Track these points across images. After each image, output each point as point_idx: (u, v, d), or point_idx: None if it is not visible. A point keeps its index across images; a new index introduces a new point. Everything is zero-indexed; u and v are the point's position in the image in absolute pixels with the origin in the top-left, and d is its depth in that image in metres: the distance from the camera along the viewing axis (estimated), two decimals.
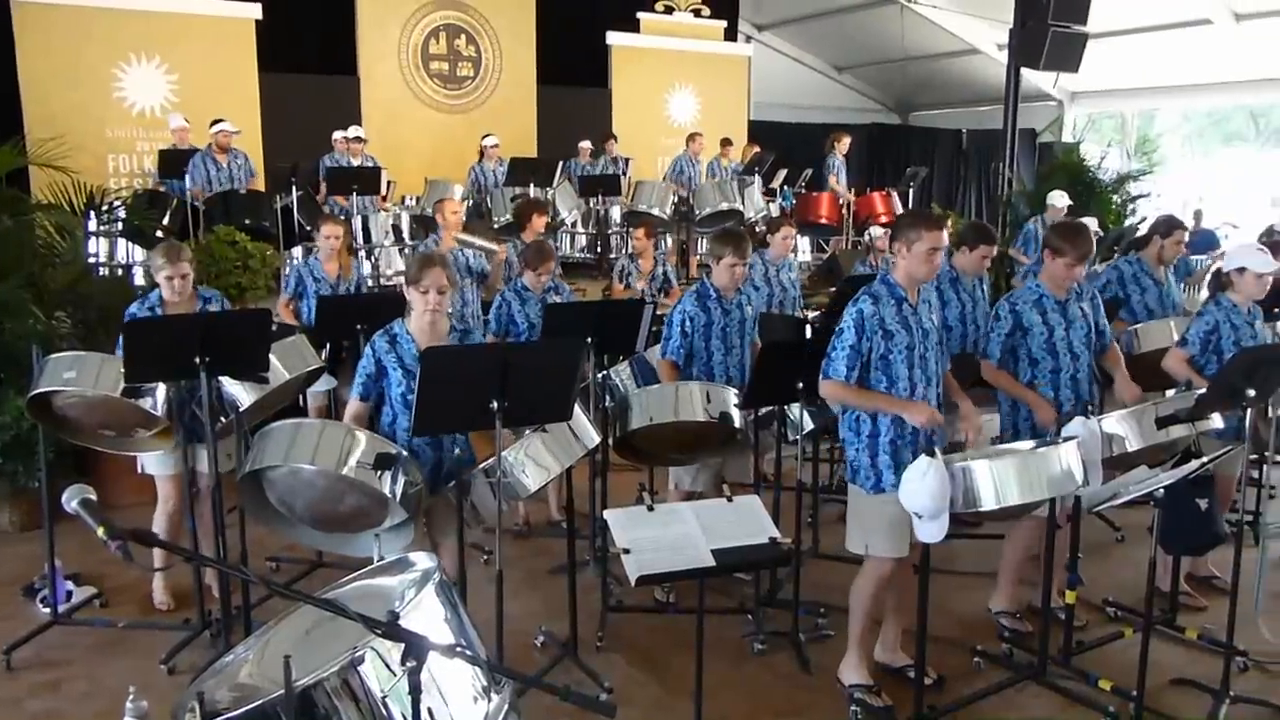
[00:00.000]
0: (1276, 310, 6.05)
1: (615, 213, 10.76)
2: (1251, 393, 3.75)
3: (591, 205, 10.68)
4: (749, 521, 3.14)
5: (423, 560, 2.55)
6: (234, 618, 4.18)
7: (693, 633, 3.16)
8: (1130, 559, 5.19)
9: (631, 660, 4.29)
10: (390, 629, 1.88)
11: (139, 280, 7.97)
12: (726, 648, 4.30)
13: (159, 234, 7.99)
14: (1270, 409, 4.33)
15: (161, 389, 4.16)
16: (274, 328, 5.11)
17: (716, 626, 4.30)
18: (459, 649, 2.08)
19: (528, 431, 3.73)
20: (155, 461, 4.48)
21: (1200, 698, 3.88)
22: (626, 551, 2.92)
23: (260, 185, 9.78)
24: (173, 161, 9.17)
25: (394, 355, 3.68)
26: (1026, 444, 3.94)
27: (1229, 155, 19.39)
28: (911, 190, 12.13)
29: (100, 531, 1.85)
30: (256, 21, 11.40)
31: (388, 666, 2.06)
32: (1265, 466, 5.16)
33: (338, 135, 10.30)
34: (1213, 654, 4.12)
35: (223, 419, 4.28)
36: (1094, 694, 3.90)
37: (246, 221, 8.31)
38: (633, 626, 4.56)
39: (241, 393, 4.28)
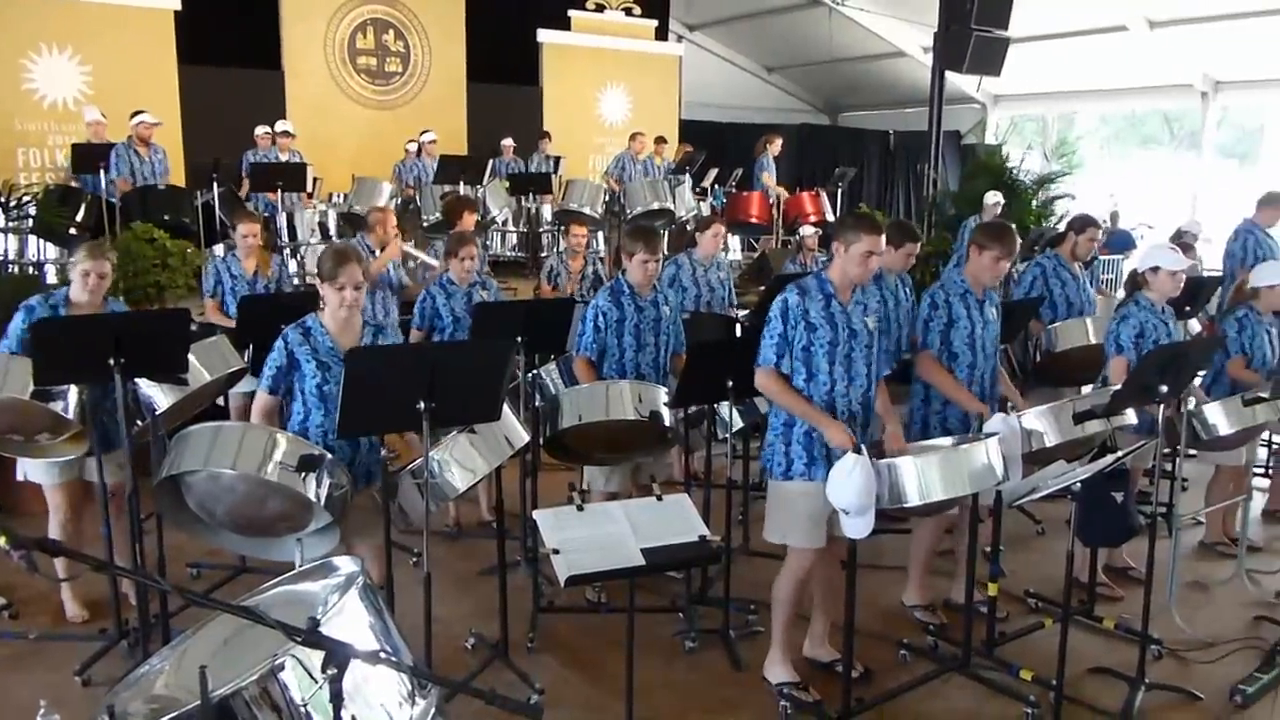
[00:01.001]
0: (1188, 309, 6.27)
1: (546, 211, 10.71)
2: (1164, 389, 3.88)
3: (522, 204, 10.62)
4: (679, 520, 3.14)
5: (346, 564, 2.50)
6: (152, 626, 4.05)
7: (625, 632, 3.15)
8: (1051, 551, 5.32)
9: (563, 661, 4.27)
10: (310, 636, 1.84)
11: (51, 279, 7.69)
12: (658, 646, 4.31)
13: (72, 231, 7.74)
14: (1182, 404, 4.47)
15: (74, 391, 4.02)
16: (194, 327, 4.99)
17: (648, 625, 4.30)
18: (382, 655, 2.04)
19: (455, 431, 3.68)
20: (41, 470, 4.28)
21: (1117, 685, 3.99)
22: (556, 552, 2.90)
23: (180, 181, 9.53)
24: (87, 156, 8.85)
25: (308, 347, 3.61)
26: (948, 440, 4.02)
27: (1145, 157, 20.02)
28: (840, 190, 12.28)
29: (1, 540, 1.77)
30: (175, 13, 11.12)
31: (309, 674, 2.01)
32: (1178, 460, 5.35)
33: (260, 131, 10.08)
34: (1129, 643, 4.24)
35: (139, 422, 4.16)
36: (1016, 684, 3.99)
37: (165, 218, 8.05)
38: (564, 627, 4.55)
39: (159, 395, 4.16)
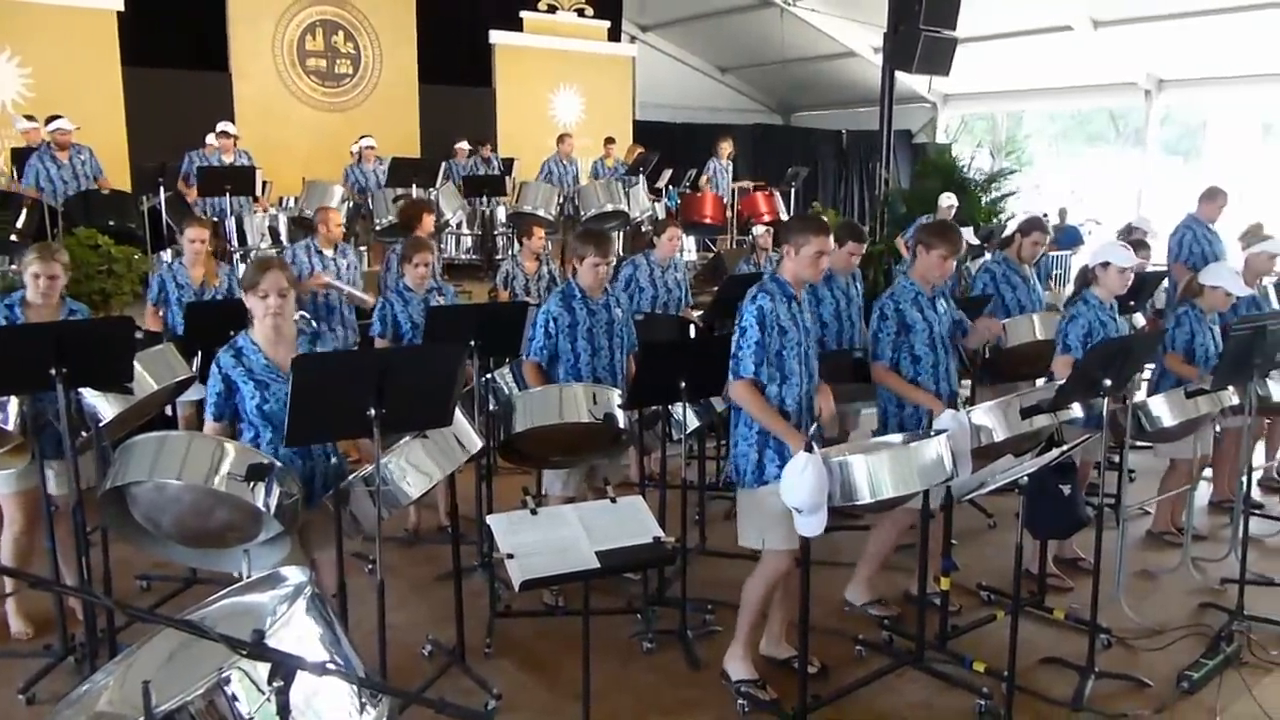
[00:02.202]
0: (1131, 304, 6.39)
1: (500, 213, 10.67)
2: (1108, 383, 3.94)
3: (476, 206, 10.56)
4: (633, 522, 3.14)
5: (294, 575, 2.46)
6: (99, 642, 3.97)
7: (582, 635, 3.15)
8: (1002, 544, 5.40)
9: (520, 665, 4.25)
10: (255, 649, 1.81)
11: None
12: (616, 648, 4.31)
13: (14, 238, 7.57)
14: (1126, 398, 4.56)
15: (14, 402, 3.93)
16: (139, 335, 4.90)
17: (605, 627, 4.30)
18: (330, 666, 2.02)
19: (407, 437, 3.65)
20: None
21: (1068, 675, 4.06)
22: (510, 556, 2.89)
23: (125, 185, 9.35)
24: (25, 160, 8.69)
25: (241, 369, 3.51)
26: (897, 437, 4.06)
27: (1092, 155, 20.39)
28: (794, 189, 12.37)
29: None
30: (118, 14, 10.93)
31: (257, 687, 1.98)
32: (1124, 452, 5.44)
33: (212, 138, 9.92)
34: (1079, 632, 4.30)
35: (84, 433, 4.07)
36: (969, 676, 4.05)
37: (110, 223, 7.92)
38: (521, 631, 4.53)
39: (104, 405, 4.07)
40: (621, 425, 4.39)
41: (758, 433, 3.76)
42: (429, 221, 6.78)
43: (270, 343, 3.55)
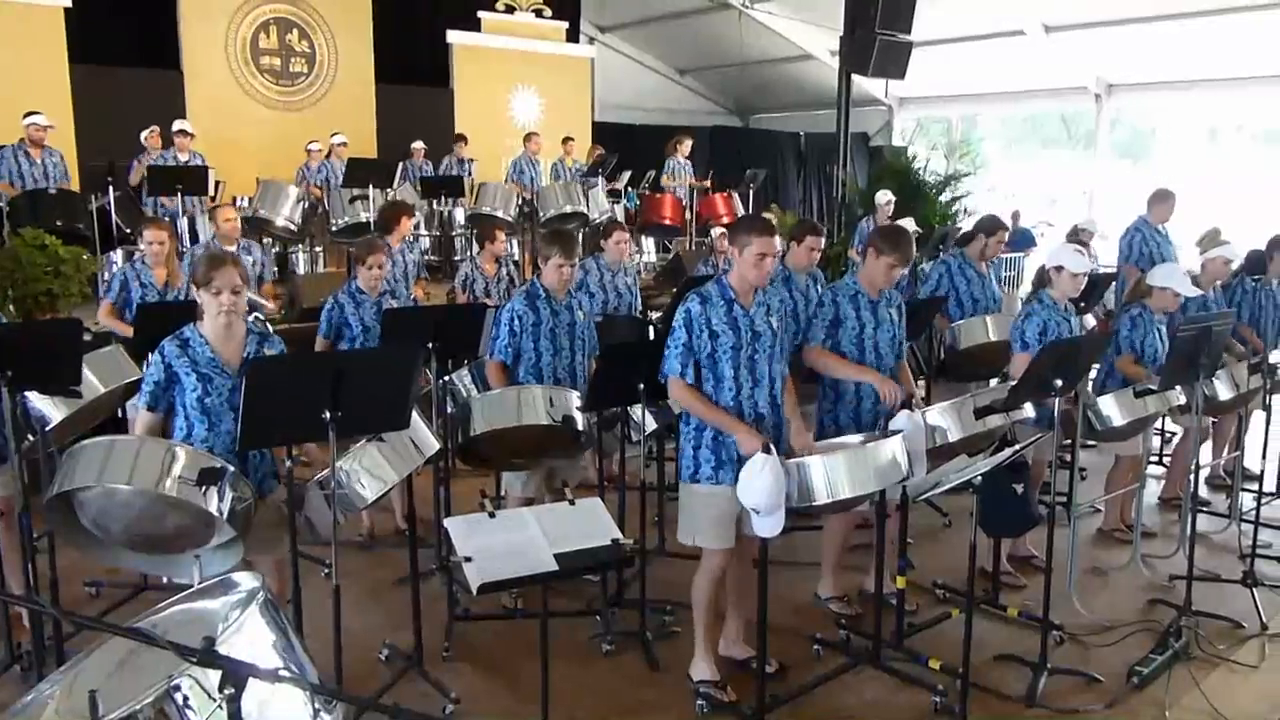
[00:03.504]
0: (1082, 305, 6.50)
1: (459, 214, 10.60)
2: (1059, 383, 4.01)
3: (434, 207, 10.49)
4: (591, 524, 3.13)
5: (247, 580, 2.43)
6: (46, 650, 3.89)
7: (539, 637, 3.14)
8: (958, 542, 5.44)
9: (479, 669, 4.23)
10: (204, 656, 1.79)
11: None
12: (575, 650, 4.30)
13: None
14: (1077, 397, 4.64)
15: None
16: (89, 337, 4.80)
17: (565, 629, 4.30)
18: (282, 673, 1.99)
19: (363, 440, 3.62)
20: None
21: (1021, 671, 4.11)
22: (468, 560, 2.87)
23: (74, 185, 9.17)
24: None
25: (186, 359, 3.46)
26: (856, 438, 4.09)
27: (1046, 157, 20.69)
28: (752, 191, 12.42)
29: None
30: (65, 10, 10.71)
31: (208, 695, 1.95)
32: (1075, 450, 5.53)
33: (147, 132, 9.76)
34: (1032, 629, 4.36)
35: (30, 437, 3.99)
36: (925, 674, 4.09)
37: (58, 223, 7.75)
38: (481, 634, 4.50)
39: (51, 408, 3.99)
40: (580, 427, 4.39)
41: (694, 429, 3.78)
42: (407, 224, 6.67)
43: (220, 339, 3.51)
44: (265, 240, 8.87)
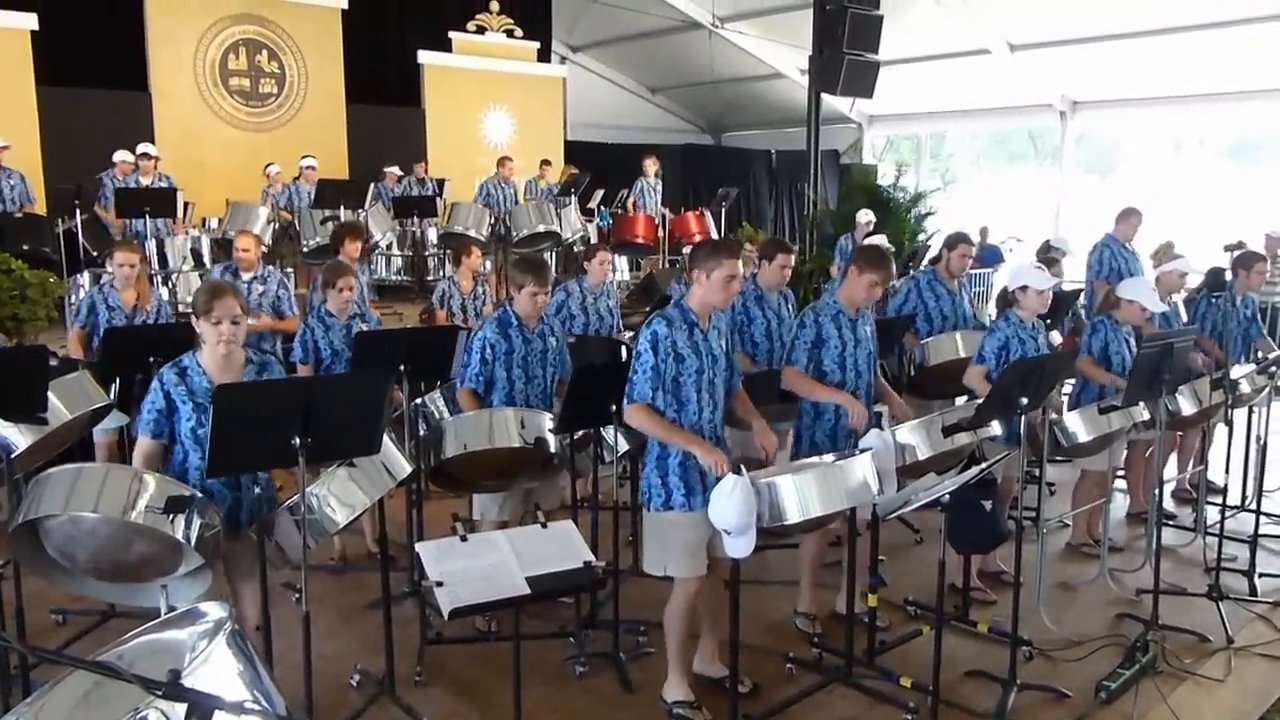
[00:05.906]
0: (1048, 321, 6.57)
1: (431, 234, 10.60)
2: (1025, 400, 4.06)
3: (407, 227, 10.48)
4: (563, 546, 3.14)
5: (214, 610, 2.41)
6: (12, 680, 3.84)
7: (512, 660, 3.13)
8: (929, 559, 5.48)
9: (452, 693, 4.21)
10: (171, 689, 1.77)
11: None
12: (549, 672, 4.29)
13: None
14: (1043, 414, 4.70)
15: None
16: (56, 363, 4.76)
17: (538, 651, 4.29)
18: (249, 705, 1.98)
19: (334, 465, 3.60)
20: None
21: (991, 687, 4.14)
22: (439, 584, 2.87)
23: (40, 208, 9.09)
24: None
25: (184, 389, 3.47)
26: (828, 457, 4.12)
27: (1013, 173, 20.97)
28: (724, 209, 12.50)
29: None
30: (32, 33, 10.65)
31: None
32: (1043, 466, 5.60)
33: (119, 157, 9.68)
34: (1002, 645, 4.37)
35: None
36: (896, 691, 4.10)
37: (24, 247, 7.71)
38: (453, 658, 4.48)
39: (16, 435, 3.94)
40: (552, 449, 4.39)
41: (658, 457, 3.77)
42: (353, 247, 6.62)
43: (218, 368, 3.50)
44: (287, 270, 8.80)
